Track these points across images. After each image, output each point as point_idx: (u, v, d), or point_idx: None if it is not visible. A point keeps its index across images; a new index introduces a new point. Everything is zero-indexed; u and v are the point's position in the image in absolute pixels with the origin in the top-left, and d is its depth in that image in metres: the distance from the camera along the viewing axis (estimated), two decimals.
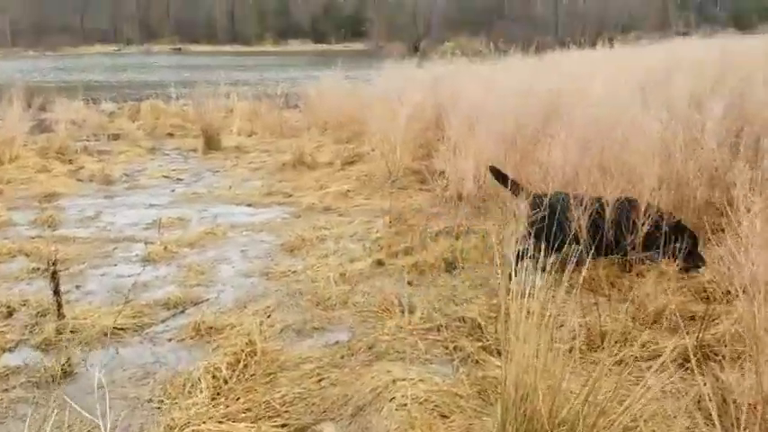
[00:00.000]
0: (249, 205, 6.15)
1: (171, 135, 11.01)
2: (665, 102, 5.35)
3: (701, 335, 2.91)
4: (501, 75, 9.09)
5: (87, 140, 9.94)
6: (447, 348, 3.07)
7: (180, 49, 51.98)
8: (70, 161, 8.46)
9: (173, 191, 6.82)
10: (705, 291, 3.51)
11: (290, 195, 6.42)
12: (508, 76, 9.02)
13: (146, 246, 4.85)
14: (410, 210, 5.57)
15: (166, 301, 3.76)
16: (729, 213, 2.67)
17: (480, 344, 3.06)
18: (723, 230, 3.52)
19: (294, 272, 4.22)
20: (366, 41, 51.45)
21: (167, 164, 8.41)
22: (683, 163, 3.84)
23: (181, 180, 7.40)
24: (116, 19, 58.57)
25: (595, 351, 2.92)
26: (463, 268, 4.07)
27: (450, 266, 4.08)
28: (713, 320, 3.09)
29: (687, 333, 2.86)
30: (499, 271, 2.92)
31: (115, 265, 4.50)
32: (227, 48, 52.10)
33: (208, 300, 3.81)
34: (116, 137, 10.40)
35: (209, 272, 4.30)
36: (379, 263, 4.27)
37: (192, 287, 4.02)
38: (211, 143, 9.26)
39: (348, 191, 6.36)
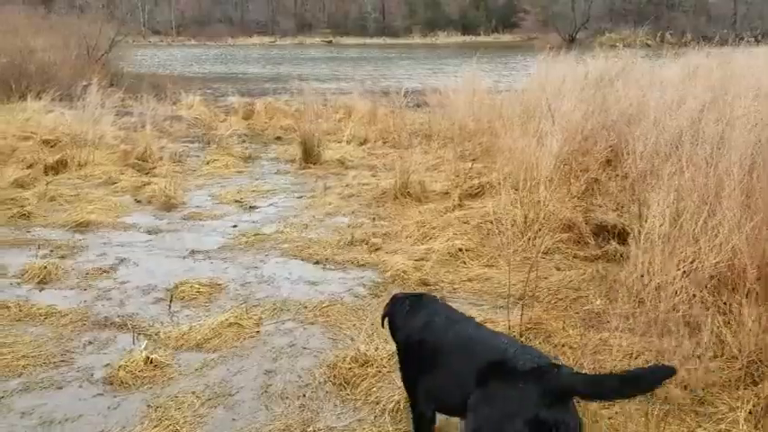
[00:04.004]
0: (317, 262, 4.28)
1: (279, 139, 9.54)
2: None
3: None
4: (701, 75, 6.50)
5: (179, 142, 8.76)
6: None
7: (331, 41, 52.10)
8: (147, 171, 7.16)
9: (234, 227, 5.14)
10: None
11: (378, 249, 4.45)
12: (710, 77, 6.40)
13: (134, 342, 3.15)
14: (556, 302, 3.38)
15: None
16: None
17: None
18: None
19: None
20: (518, 33, 48.00)
21: (252, 181, 6.79)
22: None
23: (253, 209, 5.72)
24: (274, 12, 60.44)
25: None
26: None
27: None
28: None
29: None
30: None
31: (61, 387, 2.79)
32: (376, 40, 51.43)
33: None
34: (215, 139, 9.08)
35: None
36: None
37: None
38: (310, 155, 7.56)
39: (460, 249, 4.25)
